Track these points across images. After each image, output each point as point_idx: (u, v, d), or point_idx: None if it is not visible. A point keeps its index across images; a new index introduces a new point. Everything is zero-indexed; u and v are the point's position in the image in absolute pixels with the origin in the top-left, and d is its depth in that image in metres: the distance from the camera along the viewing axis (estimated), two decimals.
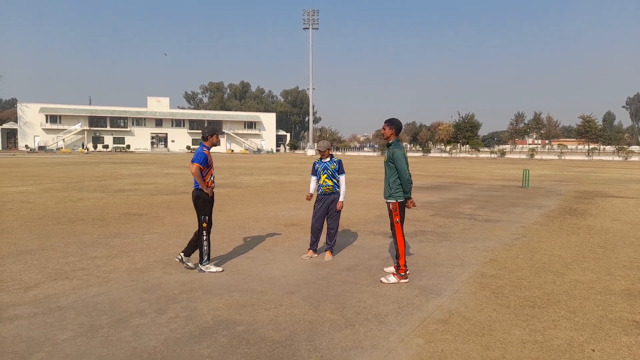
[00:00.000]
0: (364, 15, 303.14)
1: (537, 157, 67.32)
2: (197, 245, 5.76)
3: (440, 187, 18.00)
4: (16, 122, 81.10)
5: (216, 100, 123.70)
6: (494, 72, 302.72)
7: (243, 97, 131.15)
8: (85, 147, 77.26)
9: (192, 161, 5.55)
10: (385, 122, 5.52)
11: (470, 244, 7.43)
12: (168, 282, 5.28)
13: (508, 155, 72.38)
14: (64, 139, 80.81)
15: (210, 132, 5.72)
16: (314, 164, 6.54)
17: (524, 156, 69.95)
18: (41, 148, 74.32)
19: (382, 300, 4.71)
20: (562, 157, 64.63)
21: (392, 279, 5.32)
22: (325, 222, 6.50)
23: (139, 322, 4.07)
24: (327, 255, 6.39)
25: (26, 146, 75.82)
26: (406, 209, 5.55)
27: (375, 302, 4.65)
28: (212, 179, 5.74)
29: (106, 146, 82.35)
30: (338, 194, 6.41)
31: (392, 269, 5.73)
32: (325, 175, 6.36)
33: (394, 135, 5.50)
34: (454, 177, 23.83)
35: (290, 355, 3.48)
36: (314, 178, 6.55)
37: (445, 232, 8.49)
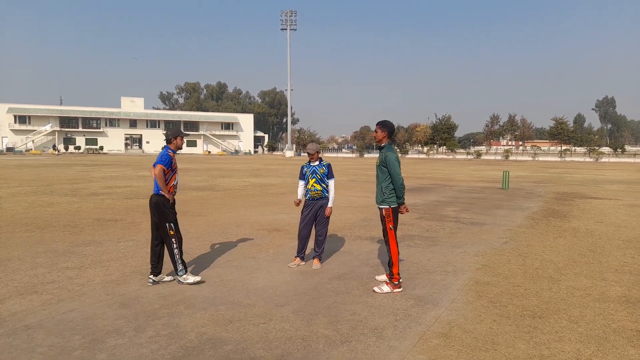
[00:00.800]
0: (342, 16, 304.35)
1: (512, 158, 68.59)
2: (159, 259, 5.34)
3: (422, 188, 17.94)
4: None
5: (192, 101, 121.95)
6: (469, 74, 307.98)
7: (220, 97, 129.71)
8: (56, 148, 74.95)
9: (155, 163, 5.19)
10: (377, 125, 5.29)
11: (460, 249, 7.27)
12: (147, 295, 4.91)
13: (484, 157, 73.54)
14: (33, 140, 78.25)
15: (174, 134, 5.38)
16: (302, 168, 6.25)
17: (499, 157, 71.18)
18: (9, 149, 71.78)
19: (377, 312, 4.47)
20: (536, 158, 66.00)
21: (386, 288, 5.09)
22: (313, 228, 6.23)
23: (116, 343, 3.71)
24: (315, 263, 6.11)
25: None
26: (399, 215, 5.33)
27: (371, 315, 4.40)
28: (175, 184, 5.38)
29: (78, 147, 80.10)
30: (327, 199, 6.14)
31: (384, 277, 5.50)
32: (314, 179, 6.07)
33: (386, 138, 5.27)
34: (434, 179, 23.88)
35: None
36: (302, 182, 6.26)
37: (433, 236, 8.32)
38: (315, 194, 6.06)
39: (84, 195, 14.02)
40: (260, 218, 10.15)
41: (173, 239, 5.25)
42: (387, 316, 4.37)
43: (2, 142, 75.46)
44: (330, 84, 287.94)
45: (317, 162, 6.12)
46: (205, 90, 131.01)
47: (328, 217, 6.16)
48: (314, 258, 6.19)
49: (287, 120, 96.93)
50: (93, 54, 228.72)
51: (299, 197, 6.30)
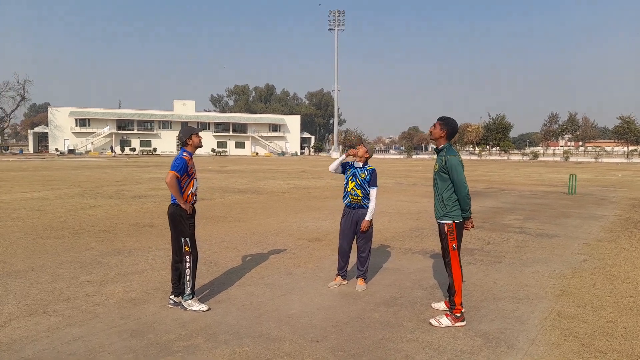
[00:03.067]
0: (391, 15, 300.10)
1: (572, 159, 64.49)
2: (181, 277, 4.66)
3: (477, 193, 16.62)
4: (47, 126, 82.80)
5: (241, 103, 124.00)
6: (526, 72, 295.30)
7: (268, 99, 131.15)
8: (113, 150, 78.21)
9: (171, 169, 4.49)
10: (437, 120, 4.38)
11: (531, 268, 6.19)
12: (164, 320, 4.27)
13: (541, 158, 69.60)
14: (92, 142, 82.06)
15: (187, 133, 4.65)
16: (348, 163, 5.43)
17: (557, 159, 67.15)
18: (70, 151, 75.56)
19: (436, 356, 3.57)
20: (600, 160, 61.63)
21: (445, 321, 4.18)
22: (355, 242, 5.39)
23: None
24: (360, 284, 5.27)
25: (56, 149, 77.25)
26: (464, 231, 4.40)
27: (428, 359, 3.52)
28: (193, 191, 4.66)
29: (133, 149, 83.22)
30: (367, 208, 5.25)
31: (442, 305, 4.58)
32: (354, 183, 5.21)
33: (444, 138, 4.36)
34: (489, 182, 22.33)
35: None
36: (339, 161, 5.33)
37: (495, 250, 7.25)
38: (355, 199, 5.21)
39: (127, 198, 13.88)
40: (301, 225, 9.42)
41: (187, 257, 4.56)
42: None
43: (64, 144, 79.64)
44: (378, 84, 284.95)
45: (360, 164, 5.28)
46: (254, 92, 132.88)
47: (371, 232, 5.32)
48: (357, 277, 5.36)
49: (333, 122, 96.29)
50: (148, 58, 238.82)
51: (340, 158, 5.33)
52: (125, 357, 3.52)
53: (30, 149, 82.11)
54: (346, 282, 5.40)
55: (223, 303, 4.73)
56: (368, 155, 5.29)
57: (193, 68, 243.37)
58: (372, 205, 5.25)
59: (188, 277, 4.54)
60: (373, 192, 5.25)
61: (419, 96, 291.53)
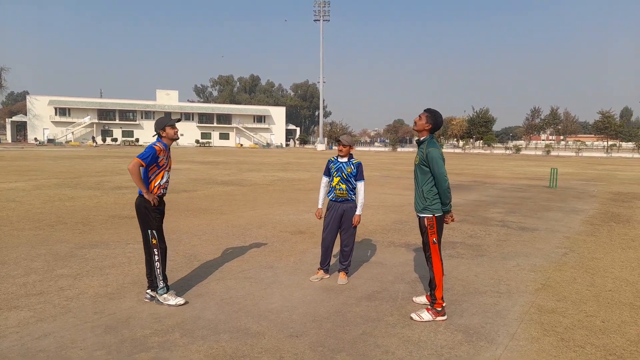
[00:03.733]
0: (377, 7, 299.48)
1: (553, 153, 65.46)
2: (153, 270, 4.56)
3: (460, 186, 16.71)
4: (26, 114, 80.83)
5: (226, 94, 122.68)
6: (508, 66, 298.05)
7: (253, 90, 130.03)
8: (94, 140, 76.78)
9: (137, 156, 4.32)
10: (424, 111, 4.28)
11: (512, 261, 6.22)
12: (140, 315, 4.15)
13: (523, 152, 70.52)
14: (73, 132, 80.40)
15: (160, 125, 4.48)
16: (328, 163, 5.30)
17: (539, 152, 68.11)
18: (50, 141, 73.96)
19: (416, 352, 3.53)
20: (580, 154, 62.71)
21: (426, 315, 4.15)
22: (338, 236, 5.33)
23: None
24: (341, 277, 5.22)
25: (35, 139, 75.49)
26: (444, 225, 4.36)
27: (408, 355, 3.48)
28: (162, 183, 4.47)
29: (115, 139, 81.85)
30: (353, 202, 5.20)
31: (424, 299, 4.56)
32: (339, 178, 5.13)
33: (427, 131, 4.29)
34: (473, 175, 22.49)
35: None
36: (325, 181, 5.31)
37: (478, 244, 7.27)
38: (340, 194, 5.13)
39: (106, 189, 13.59)
40: (284, 218, 9.33)
41: (155, 250, 4.42)
42: (429, 358, 3.43)
43: (44, 134, 77.83)
44: (363, 76, 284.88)
45: (345, 159, 5.17)
46: (238, 83, 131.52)
47: (355, 227, 5.24)
48: (339, 271, 5.30)
49: (319, 113, 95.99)
50: (130, 47, 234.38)
51: (319, 205, 5.35)
52: (98, 353, 3.41)
53: (9, 138, 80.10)
54: (328, 276, 5.33)
55: (201, 297, 4.63)
56: (352, 149, 5.21)
57: (176, 57, 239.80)
58: (361, 198, 5.19)
59: (159, 271, 4.41)
60: (361, 185, 5.19)
61: (404, 89, 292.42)
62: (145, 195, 4.33)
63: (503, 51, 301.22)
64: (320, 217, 5.35)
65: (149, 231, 4.43)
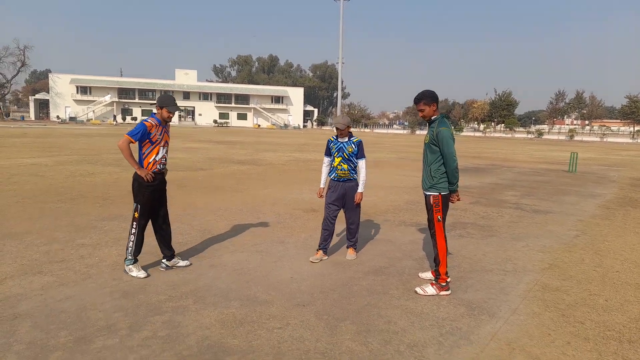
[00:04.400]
0: None
1: (577, 138, 64.04)
2: (169, 244, 4.77)
3: (477, 169, 16.61)
4: (48, 92, 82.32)
5: (244, 74, 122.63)
6: (533, 48, 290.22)
7: (271, 71, 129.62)
8: (115, 119, 77.92)
9: (126, 132, 4.40)
10: (420, 100, 4.26)
11: (522, 242, 6.25)
12: (155, 282, 4.36)
13: (546, 136, 69.14)
14: (94, 111, 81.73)
15: (160, 103, 4.53)
16: (328, 143, 5.26)
17: (562, 137, 66.70)
18: (72, 119, 75.35)
19: (418, 322, 3.66)
20: (605, 139, 61.20)
21: (430, 289, 4.25)
22: (344, 214, 5.37)
23: (104, 344, 3.15)
24: (350, 253, 5.33)
25: (57, 117, 77.03)
26: (450, 204, 4.42)
27: (410, 325, 3.60)
28: (157, 159, 4.52)
29: (135, 118, 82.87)
30: (355, 181, 5.22)
31: (429, 275, 4.66)
32: (340, 158, 5.11)
33: (435, 111, 4.31)
34: (491, 159, 22.27)
35: None
36: (327, 161, 5.32)
37: (489, 224, 7.31)
38: (343, 173, 5.14)
39: (125, 166, 13.91)
40: (298, 196, 9.48)
41: (134, 223, 4.53)
42: (430, 328, 3.55)
43: (65, 112, 79.33)
44: (383, 57, 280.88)
45: (346, 139, 5.15)
46: (257, 63, 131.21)
47: (358, 205, 5.28)
48: (348, 247, 5.42)
49: (337, 95, 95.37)
50: (150, 26, 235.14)
51: (321, 184, 5.36)
52: (115, 315, 3.62)
53: (32, 115, 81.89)
54: (326, 257, 5.30)
55: (214, 268, 4.82)
56: (349, 128, 5.16)
57: (195, 37, 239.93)
58: (362, 176, 5.20)
59: (131, 244, 4.52)
60: (362, 163, 5.19)
61: (424, 71, 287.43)
62: (138, 171, 4.42)
63: (528, 32, 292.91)
64: (321, 196, 5.40)
65: (134, 204, 4.55)
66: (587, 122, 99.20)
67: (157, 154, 4.52)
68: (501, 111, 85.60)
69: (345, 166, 5.11)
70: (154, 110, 4.66)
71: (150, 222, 4.72)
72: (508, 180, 13.58)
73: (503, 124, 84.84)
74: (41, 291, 4.05)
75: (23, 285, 4.16)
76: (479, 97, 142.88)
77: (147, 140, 4.44)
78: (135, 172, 4.48)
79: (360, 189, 5.20)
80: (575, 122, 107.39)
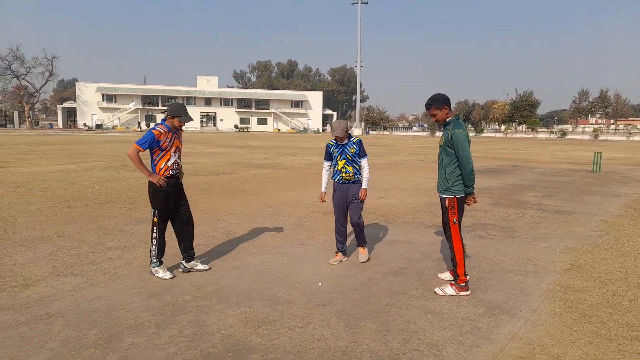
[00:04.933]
0: None
1: (601, 137, 62.52)
2: (191, 246, 4.89)
3: (498, 170, 16.43)
4: (75, 101, 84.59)
5: (264, 79, 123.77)
6: (555, 47, 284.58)
7: (290, 75, 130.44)
8: (139, 125, 79.55)
9: (135, 142, 4.51)
10: (430, 106, 4.28)
11: (543, 243, 6.21)
12: (180, 283, 4.51)
13: (569, 136, 67.71)
14: (119, 118, 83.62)
15: (172, 114, 4.58)
16: (328, 147, 5.25)
17: (586, 137, 65.20)
18: (98, 126, 77.28)
19: (437, 322, 3.70)
20: (631, 139, 59.58)
21: (450, 290, 4.28)
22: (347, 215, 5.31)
23: (132, 342, 3.29)
24: (362, 253, 5.30)
25: (84, 124, 79.07)
26: (465, 206, 4.44)
27: (429, 325, 3.65)
28: (169, 164, 4.59)
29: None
30: (359, 182, 5.19)
31: (448, 275, 4.68)
32: (344, 160, 5.08)
33: (449, 113, 4.33)
34: (512, 160, 21.97)
35: None
36: (326, 165, 5.34)
37: (509, 226, 7.26)
38: (347, 176, 5.12)
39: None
40: (317, 200, 9.55)
41: (154, 228, 4.67)
42: (450, 328, 3.59)
43: (92, 119, 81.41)
44: (402, 60, 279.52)
45: (345, 140, 5.12)
46: (276, 68, 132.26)
47: (362, 202, 5.21)
48: (358, 246, 5.41)
49: (356, 98, 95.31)
50: (171, 34, 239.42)
51: (322, 189, 5.40)
52: (143, 314, 3.76)
53: (60, 123, 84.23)
54: (346, 258, 5.34)
55: (236, 269, 4.95)
56: (348, 131, 5.14)
57: (216, 44, 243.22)
58: (365, 174, 5.17)
59: (153, 247, 4.66)
60: (365, 162, 5.16)
61: (444, 72, 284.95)
62: (149, 178, 4.55)
63: (551, 30, 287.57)
64: (323, 201, 5.41)
65: (152, 210, 4.69)
66: (612, 121, 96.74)
67: (169, 160, 4.61)
68: (522, 111, 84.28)
69: (350, 168, 5.09)
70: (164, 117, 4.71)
71: (170, 225, 4.85)
72: (529, 181, 13.40)
73: (524, 125, 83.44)
74: (73, 292, 4.23)
75: (55, 287, 4.35)
76: (500, 97, 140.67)
77: (157, 148, 4.53)
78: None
79: (364, 186, 5.17)
80: (599, 121, 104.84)
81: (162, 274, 4.66)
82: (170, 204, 4.73)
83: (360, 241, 5.36)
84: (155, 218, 4.68)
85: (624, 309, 4.01)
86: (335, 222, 5.31)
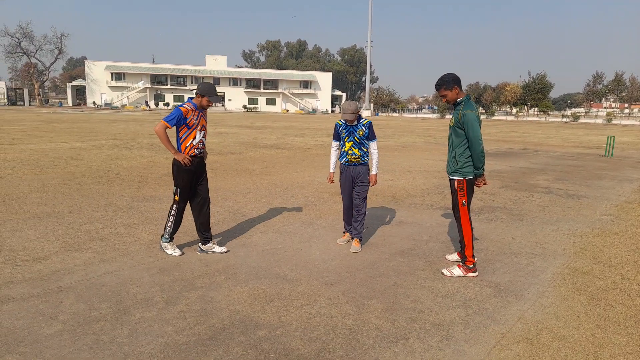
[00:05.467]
0: None
1: (615, 122, 61.52)
2: (207, 227, 4.83)
3: (509, 153, 16.27)
4: (85, 79, 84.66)
5: (273, 59, 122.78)
6: (570, 28, 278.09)
7: (300, 55, 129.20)
8: (147, 104, 79.61)
9: (163, 118, 4.45)
10: (440, 87, 4.18)
11: (553, 226, 6.16)
12: (189, 260, 4.54)
13: (582, 120, 66.73)
14: (128, 97, 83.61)
15: (202, 91, 4.51)
16: (337, 127, 5.05)
17: (600, 121, 64.21)
18: (107, 105, 77.39)
19: (444, 302, 3.70)
20: None
21: (457, 271, 4.28)
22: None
23: (142, 316, 3.34)
24: (355, 245, 4.98)
25: (93, 103, 79.25)
26: (475, 188, 4.40)
27: (436, 305, 3.65)
28: (195, 143, 4.56)
29: (167, 104, 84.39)
30: (366, 164, 5.04)
31: (456, 257, 4.67)
32: (351, 142, 4.90)
33: (459, 93, 4.24)
34: (523, 143, 21.73)
35: None
36: (335, 145, 5.16)
37: (519, 209, 7.21)
38: (354, 159, 4.94)
39: (159, 150, 14.30)
40: (325, 180, 9.55)
41: (174, 205, 4.67)
42: (457, 308, 3.59)
43: (101, 98, 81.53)
44: (413, 40, 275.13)
45: (355, 122, 4.92)
46: (285, 48, 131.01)
47: (367, 189, 5.04)
48: (352, 238, 5.11)
49: (365, 79, 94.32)
50: (180, 13, 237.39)
51: (331, 169, 5.24)
52: (152, 290, 3.81)
53: (69, 102, 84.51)
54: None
55: (245, 247, 4.98)
56: (359, 112, 4.95)
57: (225, 23, 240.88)
58: (375, 158, 5.05)
59: (170, 223, 4.65)
60: (374, 145, 5.00)
61: (455, 54, 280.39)
62: (175, 156, 4.51)
63: (566, 11, 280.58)
64: (332, 181, 5.30)
65: (174, 188, 4.68)
66: (626, 105, 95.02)
67: (194, 138, 4.58)
68: (535, 94, 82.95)
69: (356, 151, 4.92)
70: (193, 95, 4.70)
71: (189, 205, 4.84)
72: (540, 164, 13.26)
73: (536, 108, 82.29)
74: (83, 266, 4.29)
75: (66, 261, 4.41)
76: (512, 79, 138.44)
77: (184, 125, 4.49)
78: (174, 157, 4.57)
79: (374, 171, 5.04)
80: (613, 105, 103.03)
81: (172, 250, 4.70)
82: (193, 183, 4.71)
83: (358, 231, 5.04)
84: (176, 196, 4.66)
85: (633, 292, 3.99)
86: (343, 202, 5.24)
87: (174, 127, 4.50)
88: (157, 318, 3.31)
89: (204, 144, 4.73)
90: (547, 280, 4.21)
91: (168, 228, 4.70)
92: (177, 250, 4.73)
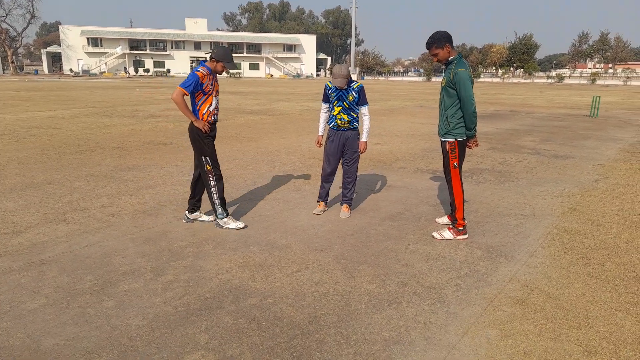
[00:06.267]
0: None
1: (599, 82, 61.79)
2: (201, 196, 4.66)
3: (495, 115, 16.23)
4: (60, 45, 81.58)
5: (255, 22, 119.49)
6: None
7: (283, 18, 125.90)
8: (127, 71, 77.32)
9: (180, 84, 4.22)
10: (431, 45, 4.02)
11: (540, 187, 6.17)
12: (176, 229, 4.44)
13: (567, 81, 66.89)
14: (106, 63, 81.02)
15: (218, 57, 4.27)
16: (326, 89, 4.77)
17: (584, 81, 64.44)
18: (85, 72, 74.98)
19: (435, 265, 3.69)
20: (629, 83, 58.93)
21: (447, 234, 4.25)
22: (340, 166, 5.01)
23: (129, 288, 3.25)
24: (344, 210, 4.92)
25: (70, 70, 76.70)
26: (467, 150, 4.33)
27: (427, 268, 3.64)
28: (211, 109, 4.37)
29: (147, 70, 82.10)
30: (356, 129, 4.83)
31: (445, 219, 4.65)
32: (340, 107, 4.67)
33: (451, 52, 4.09)
34: (509, 105, 21.71)
35: (313, 350, 2.57)
36: (324, 107, 4.87)
37: (507, 170, 7.21)
38: (343, 124, 4.73)
39: (141, 118, 13.94)
40: (313, 145, 9.42)
41: (210, 176, 4.44)
42: (448, 271, 3.58)
43: (78, 65, 78.84)
44: (398, 1, 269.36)
45: (345, 86, 4.61)
46: (268, 10, 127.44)
47: (357, 156, 4.87)
48: (342, 204, 5.01)
49: (350, 42, 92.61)
50: None
51: (320, 132, 4.99)
52: (138, 260, 3.72)
53: (45, 69, 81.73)
54: (327, 208, 5.15)
55: (233, 215, 4.87)
56: (349, 77, 4.67)
57: None
58: (366, 124, 4.82)
59: (215, 196, 4.44)
60: (365, 110, 4.78)
61: (442, 15, 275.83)
62: (195, 123, 4.30)
63: None
64: (320, 145, 5.04)
65: (203, 158, 4.42)
66: (610, 65, 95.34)
67: (211, 104, 4.36)
68: (521, 55, 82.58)
69: (345, 117, 4.70)
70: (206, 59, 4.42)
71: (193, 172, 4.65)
72: (526, 126, 13.27)
73: (522, 69, 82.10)
74: (65, 238, 4.16)
75: (48, 234, 4.27)
76: (499, 40, 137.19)
77: (200, 91, 4.26)
78: (191, 124, 4.35)
79: (364, 138, 4.83)
80: (597, 65, 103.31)
81: (234, 224, 4.46)
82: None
83: (347, 198, 4.97)
84: (208, 166, 4.42)
85: (621, 250, 4.02)
86: (323, 169, 4.97)
87: (190, 93, 4.24)
88: (144, 289, 3.24)
89: (218, 110, 4.54)
90: (537, 241, 4.22)
91: (217, 201, 4.45)
92: (240, 222, 4.52)
